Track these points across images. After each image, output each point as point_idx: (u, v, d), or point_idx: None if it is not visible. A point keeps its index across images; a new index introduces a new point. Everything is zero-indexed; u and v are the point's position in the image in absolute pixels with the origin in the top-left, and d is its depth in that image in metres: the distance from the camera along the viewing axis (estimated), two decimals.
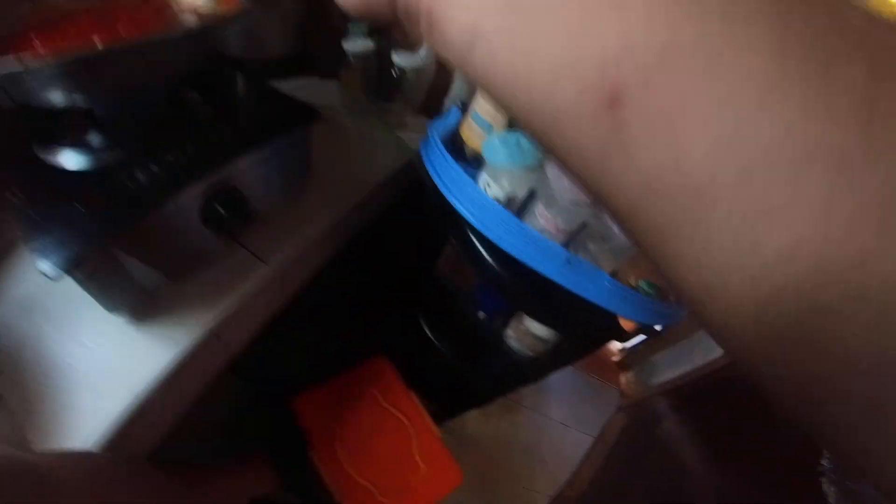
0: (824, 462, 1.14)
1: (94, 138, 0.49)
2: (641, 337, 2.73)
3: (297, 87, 0.94)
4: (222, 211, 0.53)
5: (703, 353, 2.21)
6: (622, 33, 0.14)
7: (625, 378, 2.66)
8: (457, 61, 0.19)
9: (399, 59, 0.85)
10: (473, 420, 1.79)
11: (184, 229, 0.53)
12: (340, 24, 0.92)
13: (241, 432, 0.89)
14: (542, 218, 0.56)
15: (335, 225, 0.67)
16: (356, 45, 0.84)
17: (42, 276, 0.40)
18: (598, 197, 0.17)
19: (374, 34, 0.88)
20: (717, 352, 2.09)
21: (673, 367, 2.36)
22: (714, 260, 0.14)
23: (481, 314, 0.88)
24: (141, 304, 0.52)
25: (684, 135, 0.13)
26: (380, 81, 0.92)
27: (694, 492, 1.45)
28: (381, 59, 0.88)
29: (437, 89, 0.98)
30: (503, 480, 1.71)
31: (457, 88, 0.87)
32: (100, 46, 0.40)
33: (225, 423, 0.87)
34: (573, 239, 0.60)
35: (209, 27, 0.47)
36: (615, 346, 2.84)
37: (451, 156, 0.64)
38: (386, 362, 0.93)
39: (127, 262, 0.48)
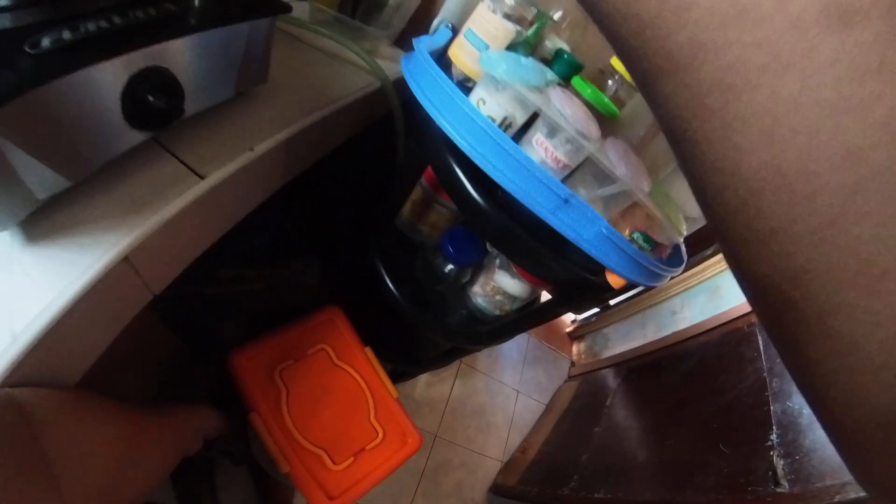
0: (773, 437, 1.16)
1: None
2: (595, 309, 2.77)
3: None
4: (151, 99, 0.42)
5: (655, 329, 2.26)
6: None
7: (577, 348, 2.71)
8: None
9: None
10: (426, 382, 1.75)
11: (97, 117, 0.41)
12: None
13: (178, 388, 0.79)
14: (541, 148, 0.48)
15: (288, 141, 0.57)
16: None
17: None
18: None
19: None
20: (669, 329, 2.13)
21: (625, 340, 2.41)
22: None
23: (448, 266, 0.80)
24: (33, 216, 0.41)
25: None
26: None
27: (638, 462, 1.48)
28: None
29: (420, 18, 0.87)
30: (456, 444, 1.69)
31: (446, 11, 0.77)
32: None
33: (159, 378, 0.77)
34: (569, 178, 0.53)
35: None
36: (569, 316, 2.87)
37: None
38: (339, 313, 0.84)
39: (15, 155, 0.37)
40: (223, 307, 0.80)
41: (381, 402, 0.77)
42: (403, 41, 0.89)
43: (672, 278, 0.64)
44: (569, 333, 2.77)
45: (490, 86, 0.50)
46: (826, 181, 0.14)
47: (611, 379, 2.14)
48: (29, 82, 0.33)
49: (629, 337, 2.36)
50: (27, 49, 0.34)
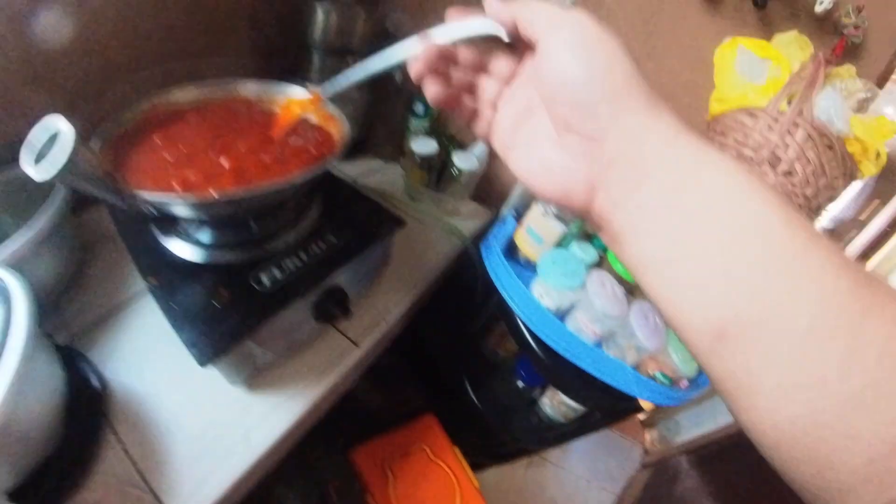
0: None
1: (209, 236, 0.64)
2: None
3: (367, 171, 1.14)
4: (332, 309, 0.71)
5: (725, 413, 2.29)
6: (732, 305, 0.24)
7: (649, 436, 2.72)
8: (621, 261, 0.30)
9: (458, 160, 1.04)
10: (501, 472, 1.89)
11: (298, 322, 0.70)
12: (400, 117, 1.12)
13: (303, 479, 1.05)
14: (582, 322, 0.73)
15: (409, 308, 0.85)
16: (422, 146, 1.03)
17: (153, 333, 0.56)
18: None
19: (438, 138, 1.08)
20: None
21: (696, 426, 2.43)
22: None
23: (520, 384, 1.04)
24: (255, 378, 0.68)
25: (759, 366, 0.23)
26: (440, 177, 1.11)
27: None
28: (442, 160, 1.08)
29: (484, 180, 1.16)
30: None
31: (514, 198, 1.04)
32: (240, 189, 0.54)
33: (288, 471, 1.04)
34: (605, 339, 0.76)
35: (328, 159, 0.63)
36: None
37: (507, 257, 0.82)
38: (434, 420, 1.09)
39: (252, 347, 0.64)
40: (353, 412, 1.07)
41: (466, 491, 1.00)
42: (477, 196, 1.17)
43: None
44: (641, 421, 2.79)
45: (547, 286, 0.77)
46: None
47: (684, 466, 2.17)
48: (267, 314, 0.61)
49: (701, 422, 2.39)
50: (254, 285, 0.62)
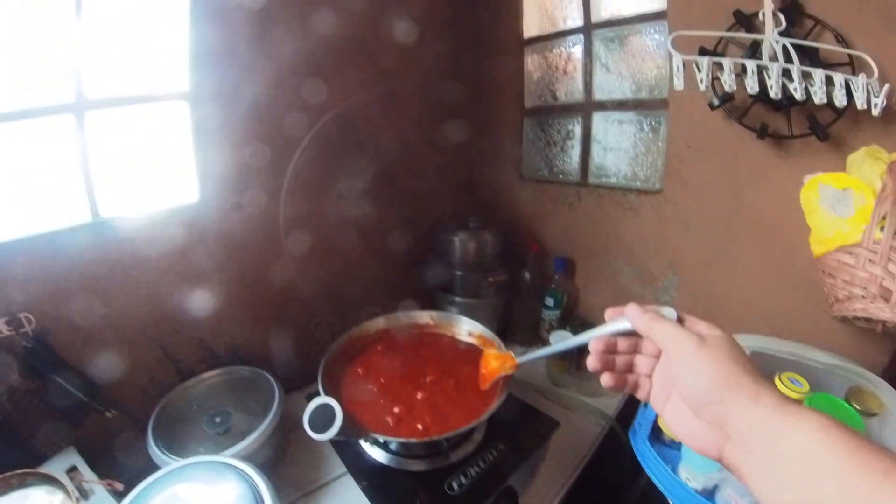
0: None
1: (408, 450, 0.80)
2: None
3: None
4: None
5: None
6: None
7: None
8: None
9: None
10: None
11: None
12: (533, 310, 1.28)
13: None
14: (731, 498, 0.69)
15: (567, 493, 0.87)
16: (560, 339, 1.15)
17: None
18: None
19: (571, 326, 1.20)
20: None
21: None
22: None
23: None
24: None
25: None
26: (579, 364, 1.19)
27: None
28: (580, 349, 1.17)
29: None
30: None
31: None
32: (446, 431, 0.75)
33: None
34: None
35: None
36: None
37: (652, 437, 0.83)
38: None
39: None
40: None
41: None
42: None
43: None
44: None
45: (693, 471, 0.76)
46: None
47: None
48: None
49: None
50: (448, 491, 0.73)
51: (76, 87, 0.89)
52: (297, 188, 1.11)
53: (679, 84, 0.86)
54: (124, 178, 0.97)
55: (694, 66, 0.87)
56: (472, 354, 0.89)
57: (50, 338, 0.93)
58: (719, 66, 0.86)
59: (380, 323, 1.01)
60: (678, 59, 0.87)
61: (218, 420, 0.97)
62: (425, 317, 1.03)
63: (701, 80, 0.87)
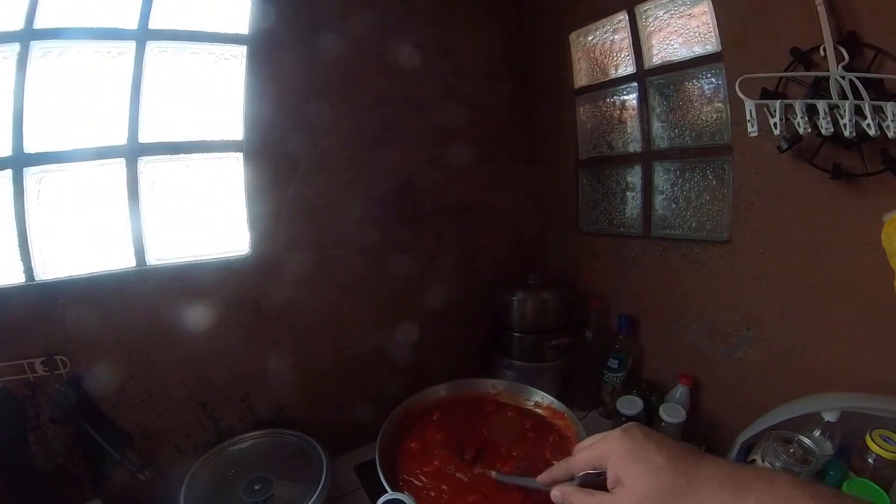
0: None
1: None
2: None
3: None
4: None
5: None
6: None
7: None
8: None
9: (666, 414, 1.05)
10: None
11: None
12: (594, 372, 1.21)
13: None
14: None
15: None
16: (627, 407, 1.08)
17: None
18: None
19: (639, 391, 1.13)
20: None
21: None
22: None
23: None
24: None
25: None
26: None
27: None
28: (648, 414, 1.10)
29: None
30: None
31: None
32: None
33: None
34: None
35: None
36: None
37: None
38: None
39: None
40: None
41: None
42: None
43: None
44: None
45: None
46: None
47: None
48: None
49: None
50: None
51: (127, 130, 0.94)
52: (352, 248, 1.12)
53: (753, 130, 0.85)
54: (174, 227, 0.99)
55: (766, 109, 0.86)
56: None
57: (84, 383, 0.93)
58: (790, 107, 0.86)
59: (439, 392, 0.97)
60: (750, 104, 0.86)
61: (257, 487, 0.93)
62: (487, 385, 0.98)
63: (775, 125, 0.86)
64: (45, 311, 0.90)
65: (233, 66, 0.98)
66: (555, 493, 0.52)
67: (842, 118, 0.81)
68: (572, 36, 1.30)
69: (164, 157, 0.96)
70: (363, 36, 1.08)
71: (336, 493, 0.94)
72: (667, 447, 0.45)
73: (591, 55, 1.27)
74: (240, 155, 0.99)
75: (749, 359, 1.07)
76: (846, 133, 0.81)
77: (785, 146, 0.89)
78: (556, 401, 0.93)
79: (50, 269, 0.93)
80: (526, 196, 1.44)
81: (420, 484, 0.78)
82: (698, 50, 1.07)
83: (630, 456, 0.45)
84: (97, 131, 0.93)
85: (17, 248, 0.90)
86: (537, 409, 0.96)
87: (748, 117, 0.86)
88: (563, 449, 0.85)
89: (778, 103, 0.85)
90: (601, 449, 0.48)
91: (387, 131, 1.13)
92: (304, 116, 1.02)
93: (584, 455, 0.50)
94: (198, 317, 0.97)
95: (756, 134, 0.86)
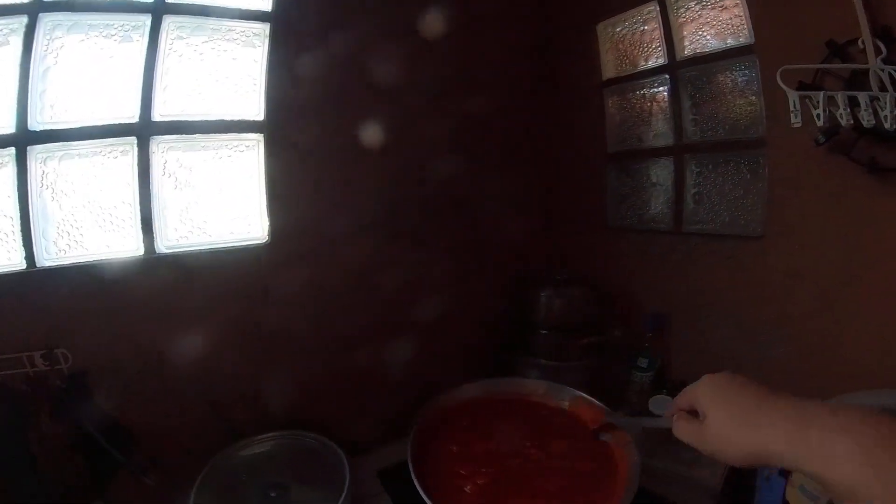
0: None
1: None
2: None
3: None
4: None
5: None
6: None
7: None
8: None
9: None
10: None
11: None
12: (622, 371, 1.25)
13: None
14: None
15: None
16: (660, 406, 1.12)
17: None
18: None
19: (670, 393, 1.17)
20: None
21: None
22: None
23: None
24: None
25: None
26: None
27: None
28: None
29: None
30: None
31: None
32: None
33: None
34: None
35: None
36: None
37: None
38: None
39: None
40: None
41: None
42: None
43: None
44: None
45: None
46: None
47: None
48: None
49: None
50: None
51: (141, 108, 0.94)
52: (368, 238, 1.14)
53: (797, 121, 0.90)
54: (187, 213, 0.99)
55: (808, 101, 0.92)
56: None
57: (87, 379, 0.93)
58: (831, 99, 0.92)
59: (470, 391, 0.98)
60: (794, 96, 0.91)
61: (273, 495, 0.93)
62: (524, 385, 0.99)
63: (818, 116, 0.91)
64: (46, 299, 0.89)
65: (255, 43, 1.00)
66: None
67: (882, 110, 0.87)
68: (600, 26, 1.34)
69: (179, 137, 0.97)
70: (385, 19, 1.11)
71: (357, 496, 0.95)
72: (747, 385, 0.54)
73: (620, 46, 1.32)
74: (260, 137, 1.00)
75: (780, 358, 1.11)
76: (887, 125, 0.86)
77: (822, 139, 0.94)
78: (598, 402, 0.95)
79: (52, 254, 0.92)
80: (550, 190, 1.48)
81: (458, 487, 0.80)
82: (731, 42, 1.12)
83: (712, 392, 0.56)
84: (107, 109, 0.93)
85: (19, 231, 0.89)
86: (575, 411, 0.98)
87: (792, 108, 0.91)
88: (610, 457, 0.88)
89: (821, 95, 0.91)
90: (693, 390, 0.59)
91: (408, 118, 1.15)
92: (326, 99, 1.04)
93: (681, 397, 0.63)
94: (210, 308, 0.98)
95: (800, 125, 0.91)
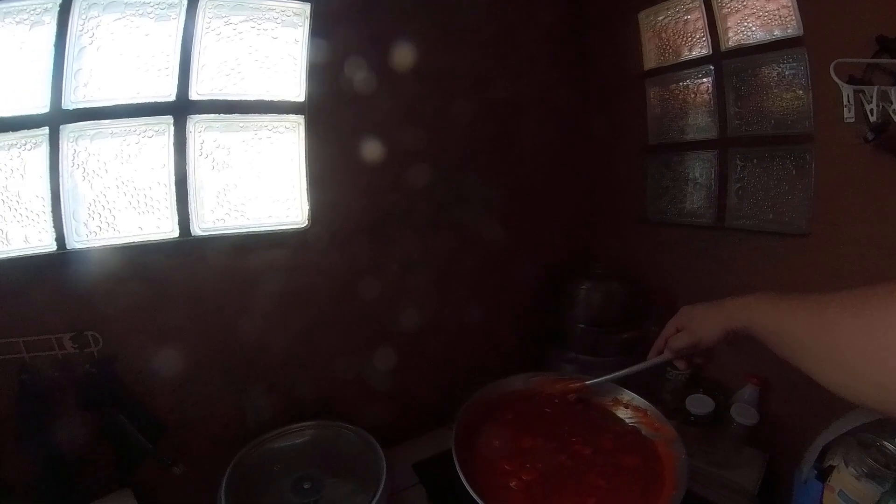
0: None
1: None
2: None
3: None
4: None
5: None
6: None
7: None
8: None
9: (738, 415, 1.08)
10: None
11: None
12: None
13: None
14: None
15: None
16: (697, 405, 1.10)
17: None
18: None
19: (706, 390, 1.15)
20: None
21: None
22: None
23: None
24: None
25: None
26: (713, 429, 1.13)
27: None
28: (717, 418, 1.12)
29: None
30: None
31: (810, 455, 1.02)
32: None
33: None
34: None
35: None
36: None
37: None
38: None
39: None
40: None
41: None
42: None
43: None
44: None
45: None
46: None
47: None
48: None
49: None
50: None
51: (178, 87, 0.92)
52: (412, 226, 1.13)
53: (850, 116, 0.89)
54: (224, 195, 0.97)
55: (860, 96, 0.90)
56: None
57: (116, 364, 0.91)
58: (884, 94, 0.90)
59: (510, 385, 0.95)
60: (848, 90, 0.89)
61: (306, 486, 0.92)
62: (567, 380, 0.96)
63: (871, 111, 0.89)
64: (76, 281, 0.88)
65: (296, 23, 0.98)
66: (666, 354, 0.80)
67: None
68: (642, 15, 1.32)
69: (217, 116, 0.95)
70: (426, 5, 1.10)
71: (391, 489, 0.93)
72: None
73: (662, 36, 1.30)
74: (301, 118, 0.98)
75: None
76: None
77: (871, 136, 0.92)
78: (647, 404, 0.93)
79: (83, 236, 0.91)
80: (588, 182, 1.47)
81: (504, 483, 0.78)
82: (778, 33, 1.10)
83: (690, 308, 0.76)
84: (142, 87, 0.91)
85: (50, 212, 0.88)
86: (620, 411, 0.96)
87: (846, 102, 0.89)
88: (654, 452, 0.86)
89: (875, 89, 0.89)
90: (675, 316, 0.79)
91: (446, 104, 1.13)
92: (368, 84, 1.02)
93: (668, 327, 0.81)
94: (246, 295, 0.96)
95: (853, 120, 0.89)
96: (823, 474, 0.90)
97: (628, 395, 0.95)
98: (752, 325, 0.62)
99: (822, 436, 0.99)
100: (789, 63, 1.09)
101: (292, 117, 0.98)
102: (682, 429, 1.10)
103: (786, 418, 1.15)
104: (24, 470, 0.87)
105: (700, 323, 0.71)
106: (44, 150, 0.86)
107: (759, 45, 1.13)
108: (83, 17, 0.86)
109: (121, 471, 0.93)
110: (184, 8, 0.91)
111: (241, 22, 0.94)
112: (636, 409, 0.94)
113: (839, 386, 0.47)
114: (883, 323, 0.40)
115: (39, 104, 0.85)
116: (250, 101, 0.96)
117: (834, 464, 0.91)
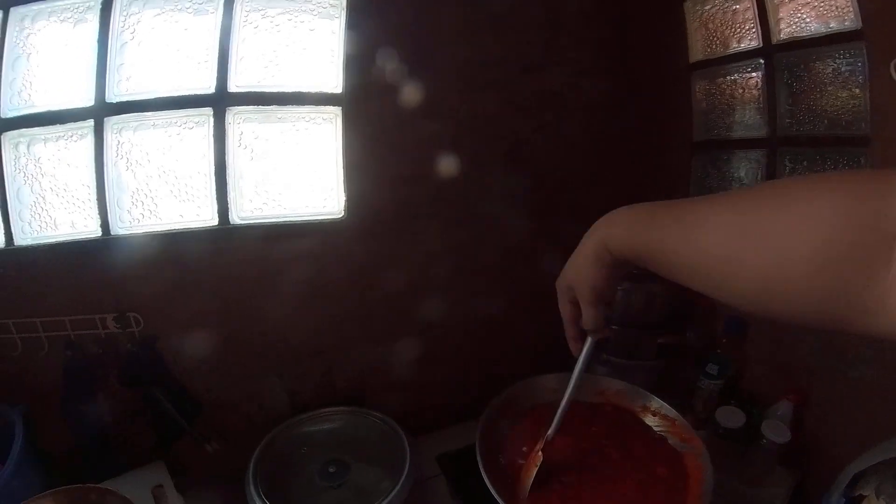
0: None
1: None
2: None
3: None
4: None
5: None
6: None
7: None
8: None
9: (770, 432, 1.05)
10: None
11: None
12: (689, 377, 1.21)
13: None
14: None
15: None
16: (728, 418, 1.09)
17: None
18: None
19: (740, 403, 1.13)
20: None
21: None
22: None
23: None
24: None
25: None
26: (746, 446, 1.12)
27: None
28: (749, 433, 1.10)
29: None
30: None
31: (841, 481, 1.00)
32: None
33: None
34: None
35: None
36: None
37: None
38: None
39: None
40: None
41: None
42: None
43: None
44: None
45: None
46: None
47: None
48: None
49: None
50: None
51: (217, 80, 0.95)
52: (440, 218, 1.14)
53: None
54: (262, 185, 1.01)
55: None
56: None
57: (157, 344, 0.97)
58: None
59: (540, 385, 0.96)
60: None
61: (332, 470, 0.95)
62: (589, 381, 0.96)
63: None
64: (120, 265, 0.93)
65: (333, 14, 0.99)
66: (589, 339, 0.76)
67: None
68: (688, 3, 1.28)
69: (255, 108, 0.98)
70: None
71: (415, 481, 0.96)
72: None
73: (710, 26, 1.25)
74: (338, 110, 1.00)
75: (866, 378, 1.05)
76: None
77: None
78: (676, 413, 0.93)
79: (126, 223, 0.96)
80: (626, 177, 1.44)
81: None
82: (834, 26, 1.05)
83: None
84: (182, 80, 0.95)
85: (95, 200, 0.93)
86: (648, 418, 0.96)
87: None
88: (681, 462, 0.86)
89: None
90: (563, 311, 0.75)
91: (487, 92, 1.13)
92: (405, 75, 1.03)
93: (562, 308, 0.76)
94: (282, 282, 1.00)
95: None
96: (853, 503, 0.88)
97: (657, 403, 0.94)
98: (611, 239, 0.61)
99: (855, 462, 0.95)
100: (846, 59, 1.04)
101: (329, 109, 1.00)
102: (711, 441, 1.09)
103: (819, 438, 1.11)
104: (64, 440, 0.94)
105: (575, 278, 0.68)
106: (89, 141, 0.92)
107: (812, 39, 1.07)
108: (124, 13, 0.90)
109: (157, 446, 0.99)
110: (221, 1, 0.93)
111: (278, 14, 0.97)
112: (664, 417, 0.94)
113: (712, 289, 0.46)
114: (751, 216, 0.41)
115: (84, 98, 0.90)
116: (288, 93, 0.98)
117: (865, 493, 0.88)
